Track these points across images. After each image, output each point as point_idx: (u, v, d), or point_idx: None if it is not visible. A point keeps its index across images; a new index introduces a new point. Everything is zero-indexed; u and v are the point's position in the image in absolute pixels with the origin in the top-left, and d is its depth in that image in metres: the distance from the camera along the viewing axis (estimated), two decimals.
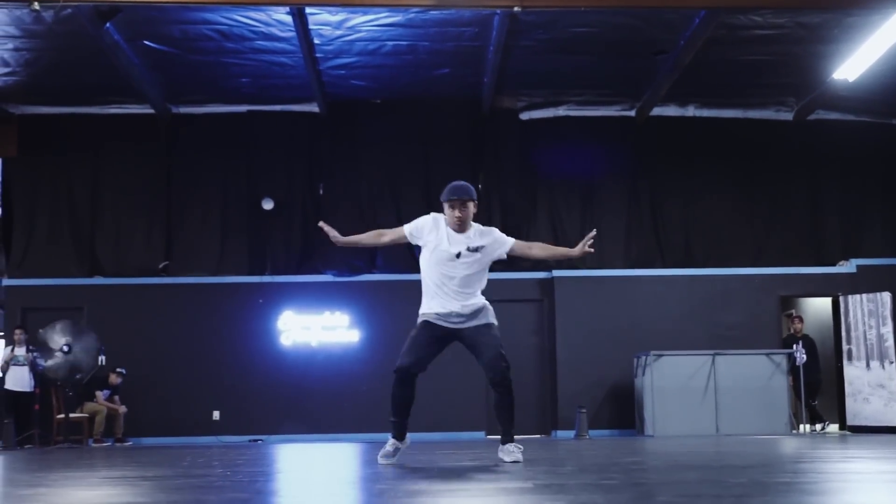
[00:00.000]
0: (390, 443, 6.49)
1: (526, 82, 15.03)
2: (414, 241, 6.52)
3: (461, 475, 5.05)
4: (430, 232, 6.41)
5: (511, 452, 6.30)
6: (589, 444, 10.49)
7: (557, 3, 12.09)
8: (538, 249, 6.79)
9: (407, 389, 6.36)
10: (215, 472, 5.86)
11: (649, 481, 4.32)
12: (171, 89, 15.14)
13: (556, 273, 15.52)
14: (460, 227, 6.38)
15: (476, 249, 6.38)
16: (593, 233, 6.61)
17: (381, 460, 6.41)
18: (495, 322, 6.46)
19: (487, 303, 6.46)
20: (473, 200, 6.43)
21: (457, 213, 6.36)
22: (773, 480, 4.23)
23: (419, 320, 6.44)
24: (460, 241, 6.39)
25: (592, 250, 6.73)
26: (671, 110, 15.91)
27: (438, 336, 6.37)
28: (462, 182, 6.51)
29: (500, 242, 6.49)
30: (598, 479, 4.46)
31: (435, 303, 6.36)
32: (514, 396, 6.37)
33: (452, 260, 6.34)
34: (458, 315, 6.34)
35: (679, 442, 10.70)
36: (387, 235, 6.57)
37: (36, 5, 11.17)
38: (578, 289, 15.50)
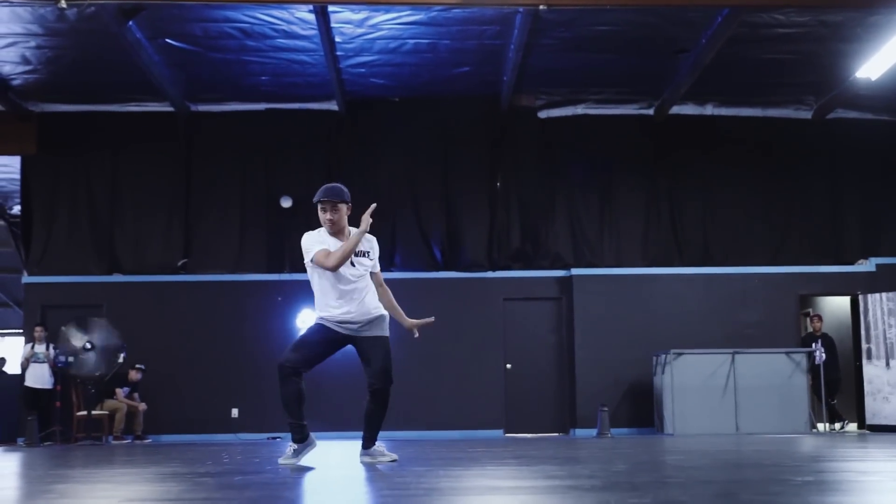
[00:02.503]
0: (289, 447, 6.24)
1: (545, 80, 15.03)
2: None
3: (518, 472, 5.05)
4: (321, 243, 6.21)
5: (384, 454, 6.21)
6: (616, 443, 10.49)
7: (582, 1, 12.08)
8: (384, 292, 6.50)
9: (292, 386, 6.13)
10: (265, 468, 5.87)
11: (715, 479, 4.32)
12: (191, 87, 15.15)
13: (575, 272, 15.53)
14: (332, 229, 6.24)
15: (365, 254, 6.28)
16: (431, 320, 6.60)
17: (282, 462, 6.16)
18: (388, 334, 6.35)
19: (385, 312, 6.37)
20: (346, 203, 6.26)
21: (327, 216, 6.21)
22: (842, 478, 4.24)
23: (315, 322, 6.32)
24: None
25: (416, 335, 6.65)
26: (690, 109, 15.90)
27: (331, 339, 6.25)
28: (334, 184, 6.40)
29: (376, 261, 6.40)
30: (661, 476, 4.46)
31: (332, 309, 6.20)
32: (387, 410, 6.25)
33: (348, 266, 6.18)
34: (354, 322, 6.20)
35: (705, 440, 10.71)
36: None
37: (63, 3, 11.17)
38: (597, 287, 15.49)
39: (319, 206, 6.22)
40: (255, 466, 6.11)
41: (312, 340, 6.24)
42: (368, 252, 6.31)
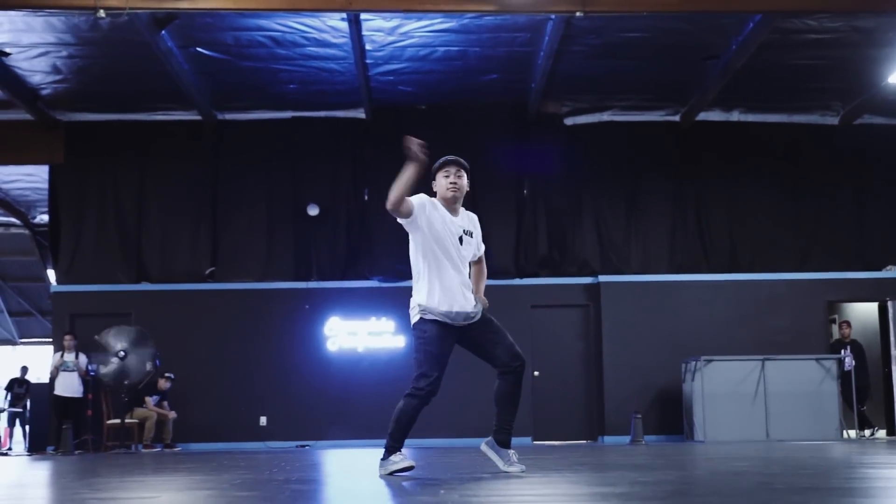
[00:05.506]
0: (397, 455, 5.62)
1: (573, 87, 15.04)
2: (411, 217, 5.58)
3: (602, 479, 5.03)
4: (431, 210, 5.59)
5: (515, 462, 5.71)
6: (658, 450, 10.46)
7: (619, 8, 12.09)
8: (476, 271, 5.94)
9: (421, 410, 5.56)
10: (327, 477, 5.84)
11: (818, 486, 4.30)
12: (219, 95, 15.17)
13: (603, 278, 15.52)
14: (453, 200, 5.66)
15: (471, 234, 5.73)
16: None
17: (393, 467, 5.59)
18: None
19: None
20: (468, 171, 5.80)
21: (451, 180, 5.64)
22: None
23: (427, 324, 5.57)
24: (457, 224, 5.68)
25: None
26: (715, 115, 15.91)
27: (451, 343, 5.62)
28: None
29: (479, 242, 5.87)
30: (759, 483, 4.44)
31: (445, 298, 5.54)
32: None
33: (457, 245, 5.60)
34: (468, 312, 5.59)
35: (741, 447, 10.66)
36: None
37: (101, 12, 11.19)
38: (624, 294, 15.50)
39: (442, 172, 5.71)
40: (315, 475, 6.09)
41: (445, 352, 5.60)
42: (472, 231, 5.77)
